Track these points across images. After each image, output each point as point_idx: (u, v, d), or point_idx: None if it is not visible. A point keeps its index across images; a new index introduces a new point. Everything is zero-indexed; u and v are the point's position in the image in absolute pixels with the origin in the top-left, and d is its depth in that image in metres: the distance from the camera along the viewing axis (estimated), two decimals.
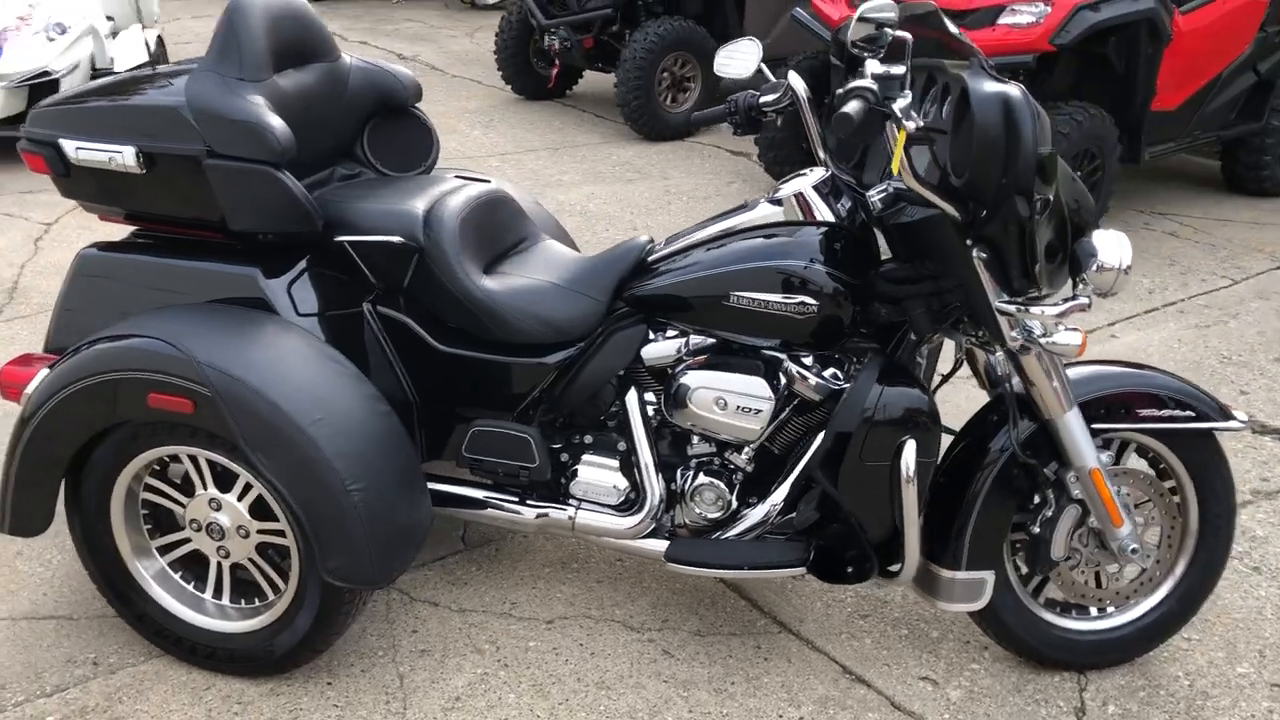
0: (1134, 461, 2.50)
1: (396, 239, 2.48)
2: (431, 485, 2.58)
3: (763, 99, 2.51)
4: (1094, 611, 2.56)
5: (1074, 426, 2.32)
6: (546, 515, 2.55)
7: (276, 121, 2.35)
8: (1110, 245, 2.16)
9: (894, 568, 2.39)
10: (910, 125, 2.02)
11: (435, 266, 2.48)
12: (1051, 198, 2.08)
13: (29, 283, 4.58)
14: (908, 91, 2.12)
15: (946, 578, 2.41)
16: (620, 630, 2.67)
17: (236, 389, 2.17)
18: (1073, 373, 2.42)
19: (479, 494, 2.60)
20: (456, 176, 2.84)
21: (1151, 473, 2.48)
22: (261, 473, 2.23)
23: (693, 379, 2.41)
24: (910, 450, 2.24)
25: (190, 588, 2.51)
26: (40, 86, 5.99)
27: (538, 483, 2.57)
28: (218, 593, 2.50)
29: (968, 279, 2.21)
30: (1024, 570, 2.51)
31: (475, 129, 7.06)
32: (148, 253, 2.53)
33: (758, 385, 2.36)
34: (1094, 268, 2.16)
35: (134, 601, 2.48)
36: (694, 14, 7.18)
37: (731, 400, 2.38)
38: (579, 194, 5.86)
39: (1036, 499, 2.41)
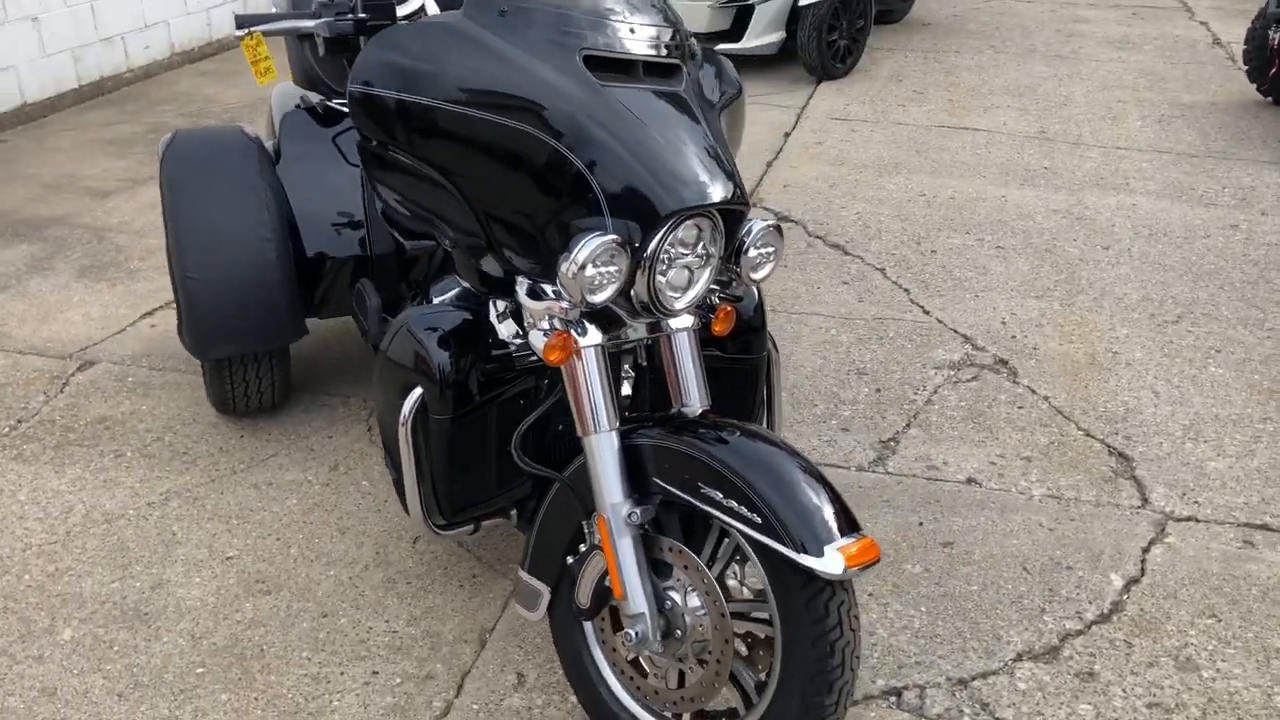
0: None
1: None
2: None
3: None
4: (669, 716, 2.04)
5: (601, 455, 1.91)
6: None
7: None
8: (585, 246, 1.75)
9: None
10: (240, 33, 1.94)
11: None
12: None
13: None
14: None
15: (519, 572, 2.18)
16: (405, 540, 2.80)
17: (168, 183, 2.94)
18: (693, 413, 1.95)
19: None
20: None
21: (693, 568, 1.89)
22: None
23: None
24: (412, 398, 2.10)
25: None
26: (744, 9, 7.03)
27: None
28: None
29: None
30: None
31: (1143, 121, 6.21)
32: (289, 96, 3.37)
33: None
34: (562, 266, 1.77)
35: None
36: None
37: None
38: (1060, 201, 5.01)
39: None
